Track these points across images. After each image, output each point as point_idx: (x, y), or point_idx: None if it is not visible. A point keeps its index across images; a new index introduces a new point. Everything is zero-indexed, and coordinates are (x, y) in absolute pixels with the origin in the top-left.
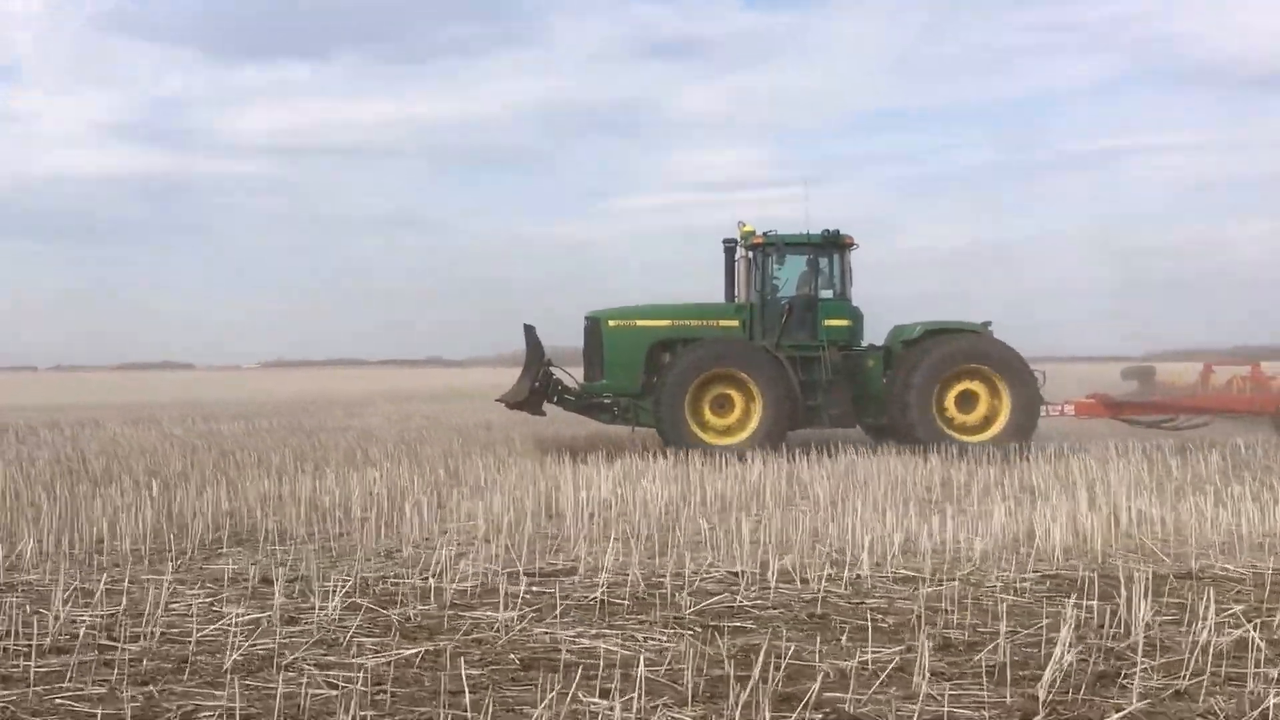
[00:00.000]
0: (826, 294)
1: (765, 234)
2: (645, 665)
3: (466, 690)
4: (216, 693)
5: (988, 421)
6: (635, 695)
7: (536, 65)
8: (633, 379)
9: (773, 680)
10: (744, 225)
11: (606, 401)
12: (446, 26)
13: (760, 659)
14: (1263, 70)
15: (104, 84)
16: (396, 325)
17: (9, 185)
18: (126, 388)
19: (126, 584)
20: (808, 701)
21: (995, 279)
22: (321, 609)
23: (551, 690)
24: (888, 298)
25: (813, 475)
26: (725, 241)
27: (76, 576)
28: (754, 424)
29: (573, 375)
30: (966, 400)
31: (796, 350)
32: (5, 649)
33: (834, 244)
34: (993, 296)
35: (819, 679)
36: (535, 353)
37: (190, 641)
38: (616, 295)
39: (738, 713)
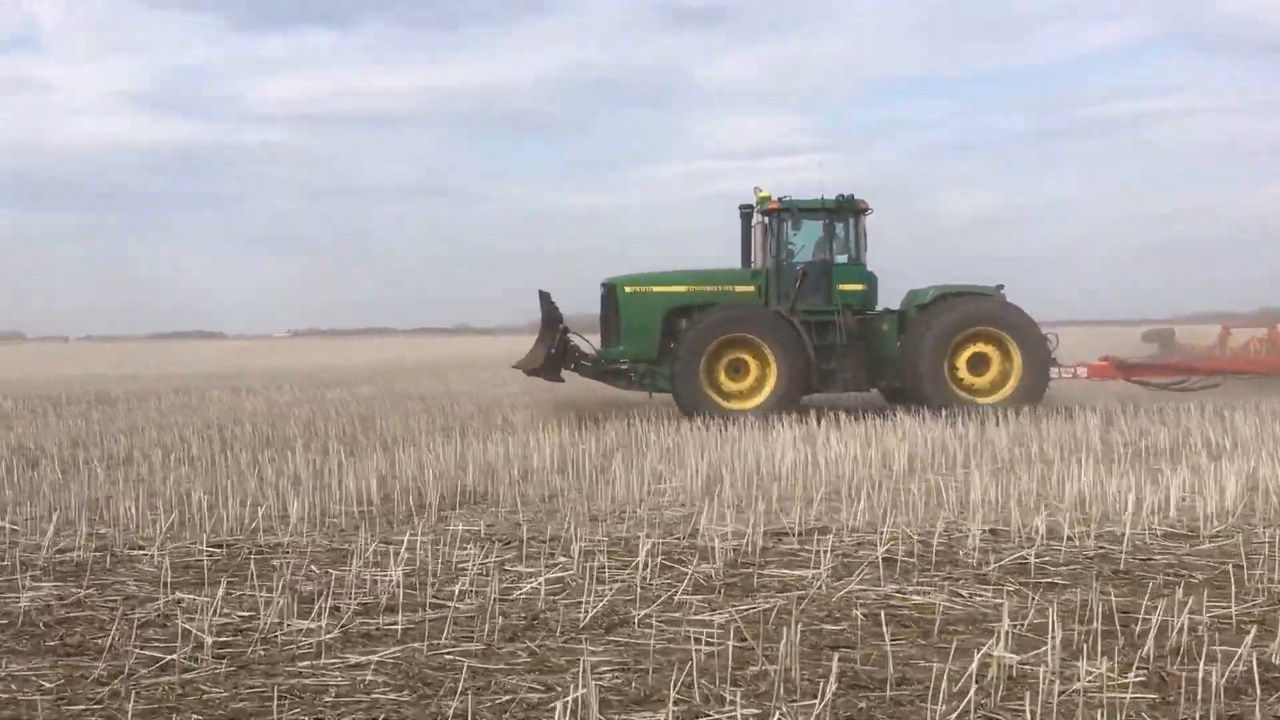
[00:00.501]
0: (841, 259)
1: (781, 199)
2: (1010, 619)
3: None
4: (594, 647)
5: (999, 383)
6: (1048, 650)
7: (564, 33)
8: (649, 345)
9: (1171, 632)
10: (760, 191)
11: (623, 368)
12: None
13: (1128, 615)
14: None
15: (127, 52)
16: (423, 293)
17: (33, 155)
18: (183, 357)
19: (401, 547)
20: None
21: (1020, 243)
22: (628, 568)
23: (948, 646)
24: (914, 261)
25: (991, 435)
26: (742, 208)
27: (334, 539)
28: (769, 388)
29: (589, 341)
30: (978, 362)
31: (811, 315)
32: (339, 607)
33: (849, 209)
34: (1016, 260)
35: (1202, 631)
36: (551, 319)
37: (514, 600)
38: (641, 262)
39: (1174, 665)
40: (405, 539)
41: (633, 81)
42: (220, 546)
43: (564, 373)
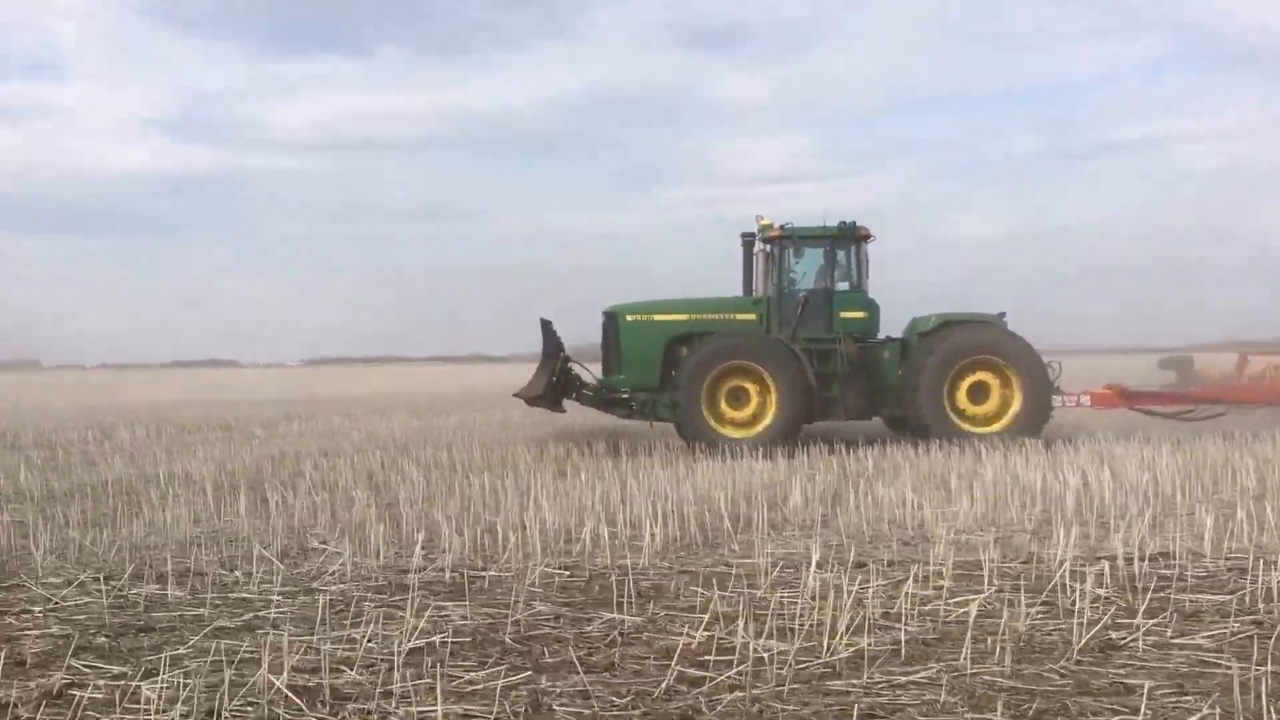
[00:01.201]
0: (843, 286)
1: (782, 227)
2: None
3: None
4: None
5: (999, 413)
6: None
7: (576, 54)
8: (650, 373)
9: None
10: (761, 219)
11: (624, 396)
12: (487, 16)
13: None
14: None
15: (146, 78)
16: (435, 321)
17: (51, 180)
18: (223, 385)
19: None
20: None
21: (1033, 267)
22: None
23: None
24: (924, 285)
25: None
26: (743, 235)
27: (720, 559)
28: (770, 417)
29: (590, 370)
30: (978, 391)
31: (812, 342)
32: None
33: (850, 236)
34: (1027, 284)
35: None
36: (552, 347)
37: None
38: (652, 288)
39: None
40: (814, 558)
41: (647, 102)
42: (568, 569)
43: (566, 402)
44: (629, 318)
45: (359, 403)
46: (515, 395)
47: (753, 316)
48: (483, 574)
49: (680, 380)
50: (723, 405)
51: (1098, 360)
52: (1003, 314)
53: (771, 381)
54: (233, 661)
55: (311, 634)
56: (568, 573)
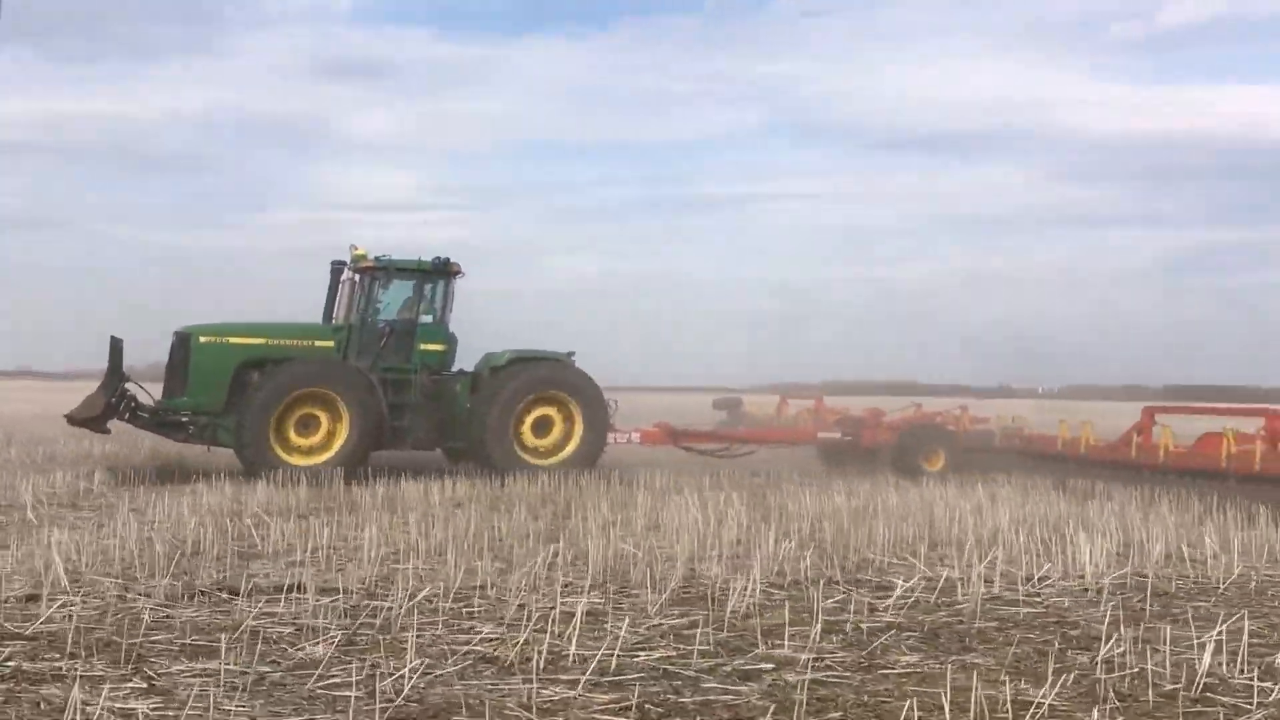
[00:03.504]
0: (426, 319)
1: (377, 258)
2: None
3: None
4: None
5: (560, 445)
6: None
7: (211, 73)
8: (217, 396)
9: None
10: (356, 248)
11: (183, 419)
12: (124, 29)
13: None
14: (882, 135)
15: None
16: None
17: None
18: None
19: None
20: None
21: (615, 308)
22: None
23: None
24: (514, 322)
25: None
26: (334, 263)
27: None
28: (339, 444)
29: (147, 390)
30: (543, 425)
31: (390, 372)
32: None
33: (442, 271)
34: (609, 323)
35: None
36: (116, 367)
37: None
38: (242, 310)
39: None
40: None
41: (275, 128)
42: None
43: (120, 424)
44: (202, 339)
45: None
46: (66, 416)
47: (330, 344)
48: None
49: (251, 404)
50: (290, 432)
51: (658, 398)
52: (571, 353)
53: (344, 408)
54: None
55: None
56: None
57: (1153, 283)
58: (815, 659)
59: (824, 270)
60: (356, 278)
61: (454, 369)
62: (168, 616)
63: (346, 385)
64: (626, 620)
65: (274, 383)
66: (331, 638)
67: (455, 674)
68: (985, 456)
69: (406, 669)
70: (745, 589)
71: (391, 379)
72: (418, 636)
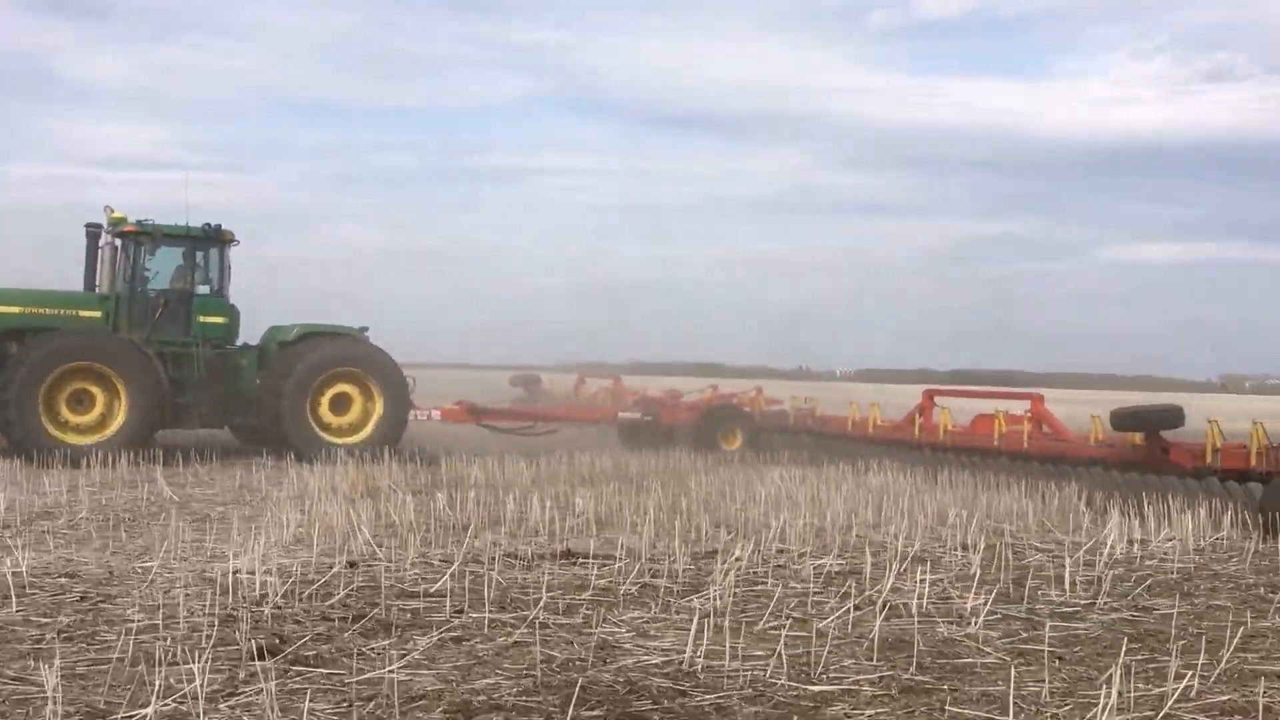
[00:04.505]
0: (203, 289)
1: (139, 222)
2: None
3: None
4: None
5: (359, 424)
6: None
7: None
8: None
9: None
10: (112, 211)
11: None
12: None
13: None
14: (654, 112)
15: None
16: None
17: None
18: None
19: None
20: None
21: (405, 282)
22: None
23: None
24: (292, 292)
25: None
26: (88, 226)
27: None
28: (118, 422)
29: None
30: (341, 403)
31: (167, 346)
32: None
33: (215, 239)
34: (394, 297)
35: None
36: None
37: None
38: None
39: None
40: None
41: None
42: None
43: None
44: None
45: None
46: None
47: (98, 314)
48: None
49: (14, 379)
50: (62, 409)
51: (454, 374)
52: (365, 328)
53: (121, 385)
54: None
55: None
56: None
57: (941, 270)
58: None
59: (615, 248)
60: (118, 243)
61: (238, 343)
62: None
63: (121, 359)
64: None
65: (38, 356)
66: None
67: None
68: (780, 436)
69: None
70: None
71: (171, 353)
72: None
